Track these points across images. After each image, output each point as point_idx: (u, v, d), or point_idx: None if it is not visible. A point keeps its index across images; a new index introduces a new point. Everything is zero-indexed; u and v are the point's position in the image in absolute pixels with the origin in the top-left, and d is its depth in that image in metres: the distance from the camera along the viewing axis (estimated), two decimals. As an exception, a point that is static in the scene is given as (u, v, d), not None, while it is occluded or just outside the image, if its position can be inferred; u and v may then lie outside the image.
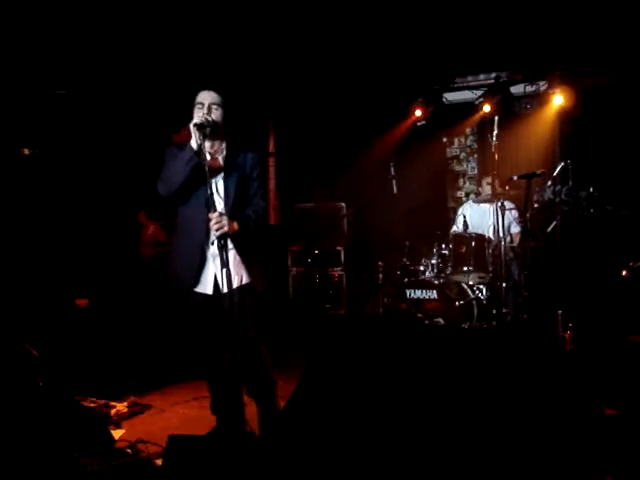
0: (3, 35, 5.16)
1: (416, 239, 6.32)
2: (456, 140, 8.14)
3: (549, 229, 5.87)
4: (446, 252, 5.95)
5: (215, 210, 3.29)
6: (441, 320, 5.61)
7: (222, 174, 3.50)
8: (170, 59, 6.12)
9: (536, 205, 5.30)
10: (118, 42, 5.71)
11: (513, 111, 7.20)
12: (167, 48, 6.00)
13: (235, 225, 3.37)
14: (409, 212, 7.44)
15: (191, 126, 3.31)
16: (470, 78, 7.65)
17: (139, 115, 6.06)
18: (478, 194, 6.80)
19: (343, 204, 7.09)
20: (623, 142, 6.55)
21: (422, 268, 6.04)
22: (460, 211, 6.62)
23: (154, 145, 6.08)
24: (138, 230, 6.28)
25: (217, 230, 3.25)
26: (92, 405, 3.99)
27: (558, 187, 4.65)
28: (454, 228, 6.49)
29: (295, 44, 6.51)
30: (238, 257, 3.50)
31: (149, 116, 6.13)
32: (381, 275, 6.28)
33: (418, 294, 5.81)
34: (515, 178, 5.40)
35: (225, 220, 3.29)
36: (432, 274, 5.93)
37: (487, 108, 7.16)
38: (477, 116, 7.47)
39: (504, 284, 5.50)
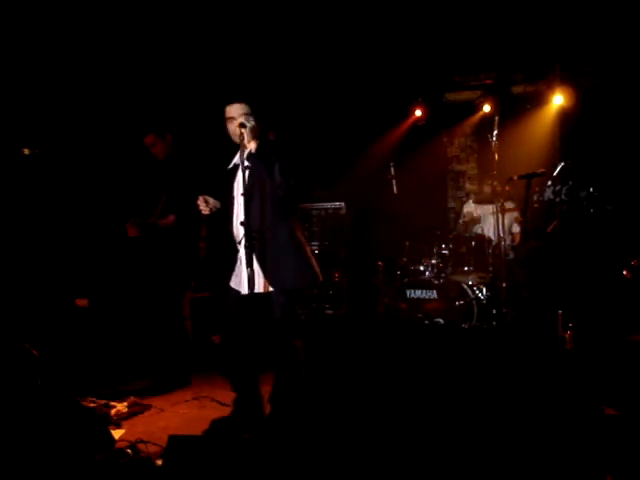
0: (5, 36, 5.17)
1: (416, 239, 6.31)
2: (456, 140, 8.14)
3: (549, 229, 5.86)
4: (446, 252, 5.96)
5: None
6: (441, 320, 5.61)
7: None
8: (168, 59, 6.13)
9: (536, 205, 5.30)
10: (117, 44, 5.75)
11: (513, 111, 7.20)
12: (164, 48, 6.02)
13: None
14: (409, 212, 7.43)
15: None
16: (470, 78, 7.65)
17: (139, 114, 6.05)
18: (478, 194, 6.80)
19: (343, 204, 7.09)
20: (623, 142, 6.54)
21: (422, 268, 6.04)
22: (465, 209, 6.64)
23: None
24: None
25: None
26: (92, 405, 3.98)
27: (558, 187, 4.64)
28: (460, 222, 6.53)
29: (295, 44, 6.50)
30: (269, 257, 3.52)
31: (148, 115, 6.12)
32: (381, 275, 6.28)
33: (418, 294, 5.82)
34: (515, 178, 5.40)
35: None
36: (432, 274, 5.93)
37: (487, 108, 7.16)
38: (477, 116, 7.48)
39: (504, 284, 5.50)
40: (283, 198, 3.46)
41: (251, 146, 3.42)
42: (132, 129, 5.01)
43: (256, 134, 3.44)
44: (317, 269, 3.63)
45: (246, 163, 3.46)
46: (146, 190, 4.85)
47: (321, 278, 3.65)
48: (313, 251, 6.58)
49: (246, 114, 3.50)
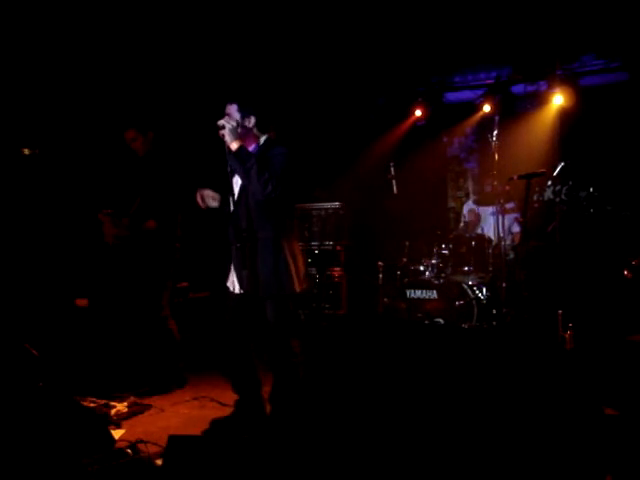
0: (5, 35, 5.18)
1: (416, 239, 6.31)
2: (456, 140, 8.14)
3: (549, 229, 5.86)
4: (446, 252, 5.96)
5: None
6: (441, 320, 5.61)
7: None
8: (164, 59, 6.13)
9: (536, 205, 5.30)
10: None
11: (513, 111, 7.20)
12: (158, 48, 6.02)
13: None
14: (409, 212, 7.43)
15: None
16: (470, 78, 7.65)
17: (123, 110, 6.02)
18: (478, 194, 6.80)
19: (343, 204, 7.09)
20: (623, 142, 6.54)
21: (422, 268, 6.04)
22: (464, 210, 6.65)
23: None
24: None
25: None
26: (92, 405, 3.99)
27: (558, 187, 4.64)
28: (461, 225, 6.53)
29: (294, 43, 6.50)
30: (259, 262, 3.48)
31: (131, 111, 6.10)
32: (381, 275, 6.28)
33: (418, 294, 5.82)
34: (515, 178, 5.40)
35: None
36: (432, 274, 5.93)
37: (487, 108, 7.16)
38: (477, 116, 7.48)
39: (504, 284, 5.50)
40: (265, 202, 3.44)
41: (232, 147, 3.42)
42: (115, 124, 5.00)
43: (237, 135, 3.43)
44: (294, 278, 3.51)
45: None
46: (123, 185, 4.84)
47: (297, 288, 3.51)
48: (313, 250, 6.68)
49: (226, 114, 3.51)
